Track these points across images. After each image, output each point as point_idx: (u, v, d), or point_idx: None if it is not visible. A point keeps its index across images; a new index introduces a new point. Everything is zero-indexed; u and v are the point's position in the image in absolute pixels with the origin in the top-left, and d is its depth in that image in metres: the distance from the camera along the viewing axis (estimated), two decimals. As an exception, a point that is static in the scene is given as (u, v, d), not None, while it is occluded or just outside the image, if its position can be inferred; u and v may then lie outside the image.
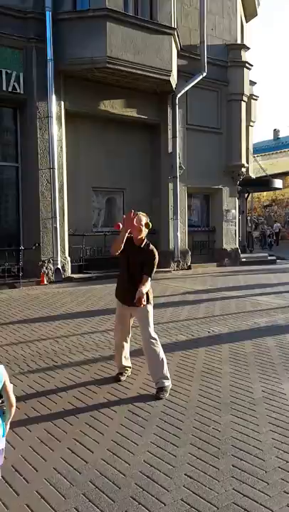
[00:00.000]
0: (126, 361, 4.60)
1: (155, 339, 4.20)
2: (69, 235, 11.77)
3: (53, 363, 5.17)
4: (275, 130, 44.02)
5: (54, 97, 11.00)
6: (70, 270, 11.70)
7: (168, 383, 4.18)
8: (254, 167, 20.75)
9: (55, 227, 11.16)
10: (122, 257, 4.29)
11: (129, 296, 4.18)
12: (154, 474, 2.86)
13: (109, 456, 3.10)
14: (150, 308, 4.31)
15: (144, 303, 4.05)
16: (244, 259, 16.02)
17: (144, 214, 4.27)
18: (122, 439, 3.34)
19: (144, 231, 4.22)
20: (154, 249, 4.29)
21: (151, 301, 4.36)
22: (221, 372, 4.73)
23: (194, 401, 3.96)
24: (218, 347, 5.73)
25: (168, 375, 4.20)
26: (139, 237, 4.23)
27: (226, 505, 2.54)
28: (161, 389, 4.09)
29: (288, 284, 10.97)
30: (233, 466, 2.95)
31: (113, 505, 2.57)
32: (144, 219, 4.22)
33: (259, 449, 3.16)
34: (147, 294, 4.18)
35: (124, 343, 4.53)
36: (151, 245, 4.30)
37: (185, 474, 2.86)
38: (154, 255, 4.23)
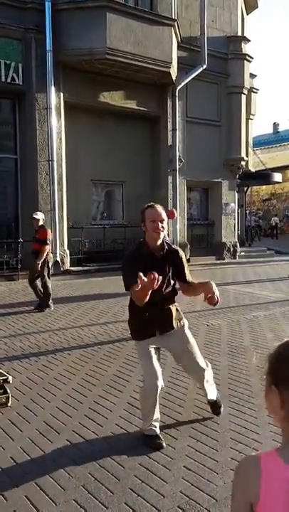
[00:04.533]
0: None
1: (207, 367, 3.38)
2: (68, 227, 11.74)
3: (52, 355, 5.18)
4: (274, 124, 43.80)
5: (53, 88, 10.92)
6: (68, 263, 11.68)
7: (216, 393, 3.54)
8: (253, 161, 20.68)
9: (54, 220, 11.13)
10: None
11: (161, 321, 3.16)
12: (153, 466, 2.87)
13: (108, 448, 3.10)
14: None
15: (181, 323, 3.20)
16: (243, 253, 16.02)
17: (160, 206, 3.12)
18: (121, 431, 3.35)
19: (164, 232, 3.09)
20: (178, 248, 3.29)
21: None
22: (220, 365, 4.74)
23: (193, 393, 3.96)
24: (216, 340, 5.74)
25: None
26: (159, 242, 3.08)
27: (225, 498, 2.55)
28: (216, 402, 3.54)
29: (286, 278, 10.97)
30: (231, 458, 2.96)
31: (112, 496, 2.57)
32: (164, 214, 3.08)
33: (258, 441, 3.17)
34: (178, 310, 3.30)
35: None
36: (171, 244, 3.26)
37: (184, 466, 2.87)
38: (182, 253, 3.25)
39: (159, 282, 2.71)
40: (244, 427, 3.37)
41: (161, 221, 3.01)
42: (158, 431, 3.15)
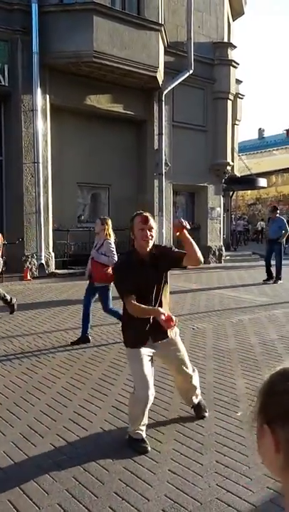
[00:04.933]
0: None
1: (195, 373, 3.46)
2: (53, 230, 11.67)
3: (36, 358, 5.13)
4: (260, 129, 44.37)
5: (39, 90, 10.87)
6: (54, 266, 11.61)
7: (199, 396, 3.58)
8: (239, 166, 20.87)
9: (39, 222, 11.06)
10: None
11: (155, 329, 3.09)
12: (137, 470, 2.85)
13: (93, 451, 3.08)
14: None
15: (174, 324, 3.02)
16: (228, 257, 16.11)
17: (149, 214, 3.17)
18: (105, 434, 3.32)
19: (153, 240, 3.10)
20: (163, 244, 3.32)
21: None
22: (205, 368, 4.74)
23: (178, 397, 3.94)
24: (202, 344, 5.74)
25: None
26: (148, 249, 3.09)
27: (210, 501, 2.55)
28: (199, 404, 3.56)
29: (261, 283, 11.05)
30: (216, 461, 2.95)
31: (96, 500, 2.55)
32: (153, 222, 3.13)
33: (242, 444, 3.17)
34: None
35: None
36: (158, 245, 3.27)
37: (169, 470, 2.86)
38: (167, 245, 3.33)
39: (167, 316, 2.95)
40: (229, 430, 3.38)
41: (150, 229, 3.05)
42: (144, 435, 3.14)
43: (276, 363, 4.95)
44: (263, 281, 11.07)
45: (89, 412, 3.70)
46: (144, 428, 3.14)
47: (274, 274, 11.08)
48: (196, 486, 2.69)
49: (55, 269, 11.63)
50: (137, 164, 13.76)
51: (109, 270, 5.30)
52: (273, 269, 11.08)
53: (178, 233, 3.07)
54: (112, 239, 5.73)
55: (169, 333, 3.19)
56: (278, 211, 11.92)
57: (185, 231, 3.05)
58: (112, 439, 3.25)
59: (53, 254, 11.62)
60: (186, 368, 3.34)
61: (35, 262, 11.14)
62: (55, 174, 11.68)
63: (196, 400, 3.52)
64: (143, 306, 3.03)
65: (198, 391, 3.51)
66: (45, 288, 9.87)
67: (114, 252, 5.56)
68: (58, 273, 11.49)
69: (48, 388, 4.21)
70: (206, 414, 3.56)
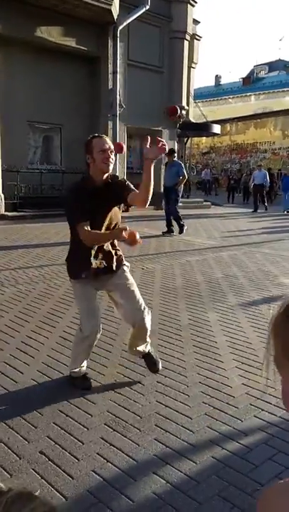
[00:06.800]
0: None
1: (148, 313, 3.07)
2: (2, 170, 11.26)
3: (-16, 295, 5.10)
4: (216, 76, 43.70)
5: (-16, 17, 10.11)
6: (3, 208, 11.31)
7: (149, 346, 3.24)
8: (194, 113, 20.61)
9: (-13, 162, 10.63)
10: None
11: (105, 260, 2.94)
12: (82, 390, 2.98)
13: (40, 376, 3.18)
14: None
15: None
16: (181, 204, 16.22)
17: (107, 137, 2.92)
18: (53, 361, 3.42)
19: (112, 165, 2.83)
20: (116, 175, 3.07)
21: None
22: (152, 303, 4.90)
23: (124, 329, 4.09)
24: (150, 282, 5.90)
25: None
26: (105, 176, 2.85)
27: (149, 415, 2.73)
28: (149, 354, 3.21)
29: (219, 228, 11.34)
30: (157, 382, 3.14)
31: (41, 418, 2.67)
32: (112, 145, 2.87)
33: (182, 367, 3.37)
34: (118, 254, 3.06)
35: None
36: (113, 175, 2.97)
37: (112, 389, 3.02)
38: (124, 179, 3.02)
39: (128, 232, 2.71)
40: (171, 356, 3.57)
41: (111, 152, 2.79)
42: (85, 370, 3.10)
43: (220, 298, 5.20)
44: (163, 233, 9.90)
45: (35, 341, 3.78)
46: (85, 364, 3.08)
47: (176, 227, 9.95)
48: (137, 402, 2.87)
49: (5, 211, 11.34)
50: (90, 104, 13.33)
51: None
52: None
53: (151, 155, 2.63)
54: None
55: (114, 267, 2.99)
56: (175, 154, 10.45)
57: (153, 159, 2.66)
58: (59, 367, 3.35)
59: (2, 195, 11.28)
60: (138, 301, 3.01)
61: None
62: (3, 111, 11.13)
63: (145, 349, 3.16)
64: (100, 232, 2.82)
65: (148, 338, 3.14)
66: (-6, 229, 9.64)
67: None
68: (8, 215, 11.22)
69: (-4, 322, 4.24)
70: (159, 366, 3.21)
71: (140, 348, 3.13)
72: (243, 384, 3.13)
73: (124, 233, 2.70)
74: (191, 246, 8.69)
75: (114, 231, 2.85)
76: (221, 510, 1.99)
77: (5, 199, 11.40)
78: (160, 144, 2.60)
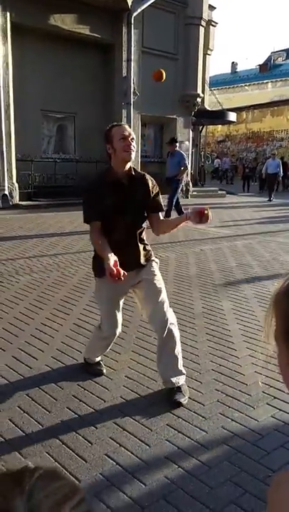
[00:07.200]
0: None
1: (175, 323, 2.88)
2: (16, 159, 11.32)
3: (-1, 282, 5.16)
4: (232, 63, 43.07)
5: (-2, 5, 10.10)
6: (18, 197, 11.38)
7: (183, 379, 2.85)
8: (210, 101, 20.37)
9: (2, 151, 10.68)
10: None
11: (127, 259, 2.63)
12: (95, 376, 3.01)
13: (53, 363, 3.21)
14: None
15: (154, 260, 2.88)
16: (195, 193, 16.15)
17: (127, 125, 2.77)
18: (67, 348, 3.46)
19: (134, 154, 2.63)
20: (144, 172, 2.85)
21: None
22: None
23: (138, 315, 4.11)
24: (164, 270, 5.87)
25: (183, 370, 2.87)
26: (128, 166, 2.67)
27: (161, 400, 2.75)
28: (180, 388, 2.77)
29: (234, 218, 11.26)
30: (170, 369, 3.15)
31: (56, 402, 2.71)
32: (133, 133, 2.70)
33: (195, 354, 3.38)
34: (147, 249, 2.90)
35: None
36: (137, 169, 2.77)
37: (125, 376, 3.04)
38: (150, 178, 2.80)
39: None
40: (184, 343, 3.56)
41: (132, 139, 2.60)
42: (100, 358, 3.12)
43: (234, 287, 5.18)
44: None
45: (51, 329, 3.82)
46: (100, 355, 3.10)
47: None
48: (150, 388, 2.89)
49: (20, 200, 11.42)
50: (103, 92, 13.27)
51: None
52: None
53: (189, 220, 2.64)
54: None
55: (143, 262, 2.83)
56: (177, 144, 10.00)
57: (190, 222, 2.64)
58: (72, 353, 3.39)
59: (16, 185, 11.35)
60: (165, 303, 2.83)
61: None
62: (18, 100, 11.15)
63: (178, 381, 2.77)
64: (102, 244, 2.58)
65: (180, 366, 2.82)
66: (9, 219, 9.72)
67: None
68: (23, 205, 11.30)
69: (11, 309, 4.29)
70: (183, 401, 2.72)
71: (174, 380, 2.76)
72: (255, 372, 3.13)
73: (106, 272, 2.38)
74: (206, 235, 8.65)
75: (104, 259, 2.45)
76: (233, 495, 2.00)
77: (19, 188, 11.47)
78: (205, 219, 2.67)
